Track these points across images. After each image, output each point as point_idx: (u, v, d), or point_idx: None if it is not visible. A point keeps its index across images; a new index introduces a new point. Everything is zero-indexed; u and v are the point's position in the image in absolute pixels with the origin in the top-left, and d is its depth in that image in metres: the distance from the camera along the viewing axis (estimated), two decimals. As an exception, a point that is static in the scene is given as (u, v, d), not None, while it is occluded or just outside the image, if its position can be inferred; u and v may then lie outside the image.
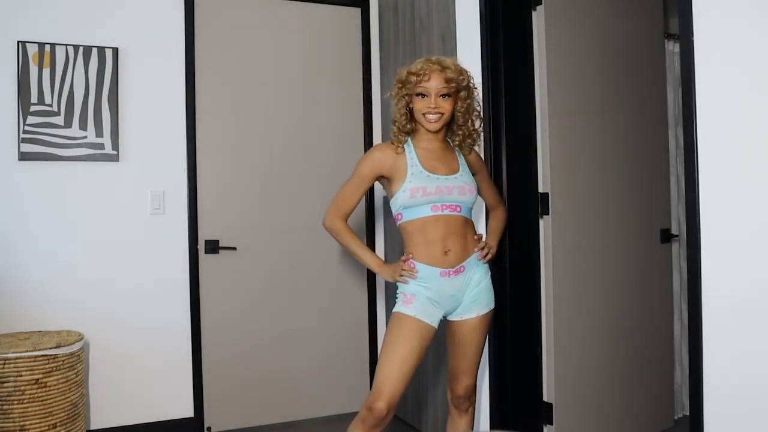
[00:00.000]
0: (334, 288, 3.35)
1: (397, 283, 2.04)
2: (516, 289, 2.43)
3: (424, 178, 1.98)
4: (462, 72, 2.00)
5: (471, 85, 2.04)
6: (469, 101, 2.04)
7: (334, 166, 3.33)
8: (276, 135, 3.26)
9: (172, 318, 3.02)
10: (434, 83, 1.96)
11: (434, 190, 1.97)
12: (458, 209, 2.00)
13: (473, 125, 2.09)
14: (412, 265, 1.99)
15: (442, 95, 1.97)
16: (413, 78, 1.98)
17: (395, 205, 2.02)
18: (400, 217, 2.03)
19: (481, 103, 2.15)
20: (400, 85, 2.02)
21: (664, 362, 2.87)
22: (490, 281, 2.09)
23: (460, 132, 2.07)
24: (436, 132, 2.03)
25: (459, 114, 2.04)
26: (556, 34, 2.45)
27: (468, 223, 2.05)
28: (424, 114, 1.99)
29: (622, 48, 2.69)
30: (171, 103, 3.03)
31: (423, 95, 1.98)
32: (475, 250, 2.05)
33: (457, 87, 1.98)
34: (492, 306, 2.09)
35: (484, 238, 2.18)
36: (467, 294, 2.03)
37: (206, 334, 3.09)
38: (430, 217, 1.98)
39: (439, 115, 1.98)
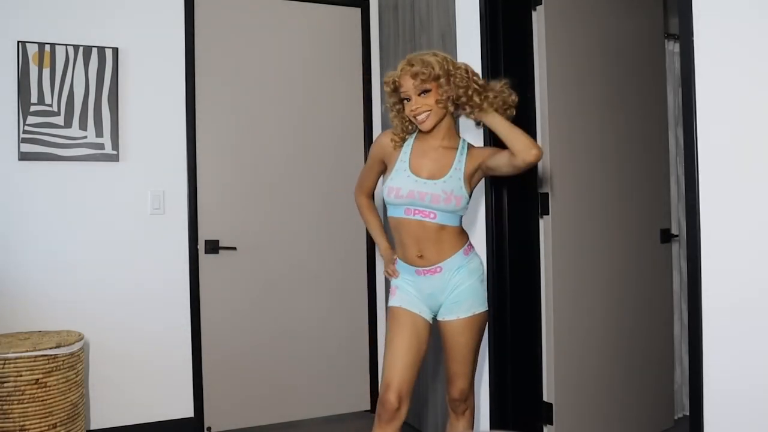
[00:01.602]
0: (334, 288, 3.35)
1: None
2: (516, 289, 2.43)
3: (404, 178, 1.99)
4: (428, 63, 1.91)
5: (447, 70, 1.92)
6: (447, 88, 1.92)
7: (334, 166, 3.33)
8: (276, 135, 3.25)
9: (172, 318, 3.02)
10: (408, 84, 1.94)
11: (406, 193, 1.96)
12: (432, 216, 1.95)
13: (474, 99, 1.92)
14: (394, 267, 2.09)
15: (420, 93, 1.93)
16: (389, 86, 2.00)
17: (382, 190, 2.07)
18: (388, 208, 2.07)
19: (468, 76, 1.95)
20: (387, 94, 2.06)
21: (664, 362, 2.87)
22: (478, 284, 2.03)
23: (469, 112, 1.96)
24: (432, 130, 1.99)
25: (441, 101, 1.94)
26: (556, 34, 2.45)
27: (445, 230, 1.97)
28: (413, 117, 1.97)
29: (622, 48, 2.69)
30: (171, 102, 3.03)
31: (407, 99, 1.97)
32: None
33: (432, 78, 1.91)
34: (479, 310, 2.02)
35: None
36: (446, 296, 2.00)
37: (206, 334, 3.09)
38: (403, 219, 1.99)
39: (426, 113, 1.94)
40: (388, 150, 2.08)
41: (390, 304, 2.06)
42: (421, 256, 1.98)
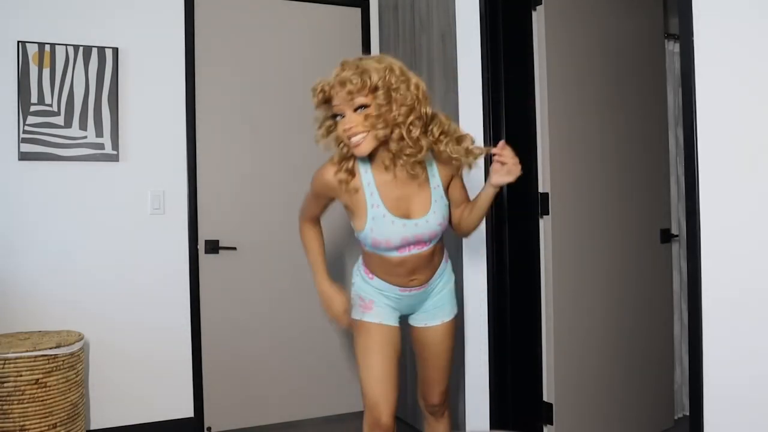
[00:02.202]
0: (334, 288, 3.34)
1: (353, 283, 1.93)
2: (516, 289, 2.43)
3: (388, 225, 1.69)
4: (365, 71, 1.53)
5: (389, 81, 1.54)
6: (385, 105, 1.53)
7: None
8: (276, 135, 3.25)
9: (172, 318, 3.02)
10: (340, 96, 1.55)
11: (399, 241, 1.72)
12: (428, 244, 1.79)
13: (412, 131, 1.57)
14: (348, 317, 1.85)
15: (356, 109, 1.55)
16: (318, 96, 1.61)
17: (357, 235, 1.80)
18: (362, 244, 1.83)
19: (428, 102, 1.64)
20: (318, 108, 1.66)
21: (664, 362, 2.87)
22: (454, 287, 1.99)
23: (393, 146, 1.59)
24: (376, 153, 1.64)
25: (373, 118, 1.55)
26: (556, 34, 2.45)
27: (436, 249, 1.84)
28: (347, 138, 1.59)
29: (622, 48, 2.69)
30: (171, 103, 3.03)
31: (341, 114, 1.59)
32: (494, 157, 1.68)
33: (369, 90, 1.53)
34: (456, 312, 1.98)
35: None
36: (428, 301, 1.93)
37: (206, 334, 3.09)
38: (394, 258, 1.77)
39: (362, 134, 1.56)
40: (341, 196, 1.73)
41: (365, 318, 1.85)
42: (413, 280, 1.84)
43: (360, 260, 1.96)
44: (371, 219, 1.70)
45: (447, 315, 1.95)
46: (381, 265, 1.83)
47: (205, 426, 3.08)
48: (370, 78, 1.52)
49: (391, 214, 1.70)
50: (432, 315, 1.94)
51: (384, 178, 1.70)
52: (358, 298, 1.89)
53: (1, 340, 2.53)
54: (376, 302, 1.87)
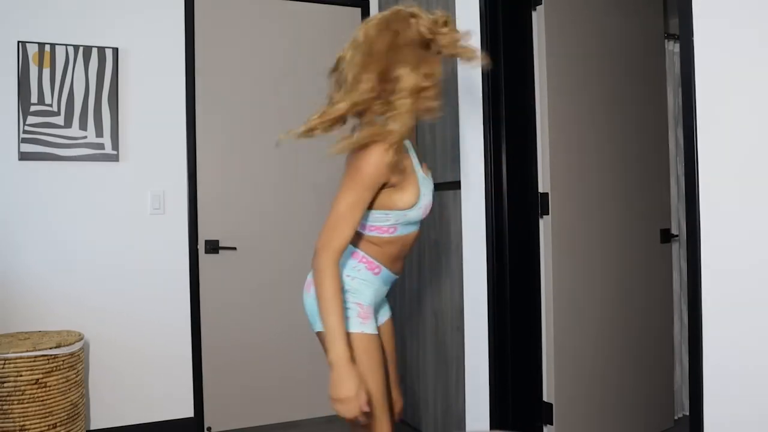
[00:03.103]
0: (334, 288, 3.34)
1: (346, 291, 1.60)
2: (516, 289, 2.43)
3: (428, 185, 1.60)
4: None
5: None
6: None
7: (334, 166, 3.32)
8: (276, 134, 3.23)
9: (173, 318, 3.02)
10: (455, 37, 1.53)
11: (432, 199, 1.65)
12: None
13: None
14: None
15: None
16: (437, 31, 1.46)
17: (396, 219, 1.55)
18: (392, 230, 1.58)
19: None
20: (414, 41, 1.47)
21: (664, 362, 2.87)
22: None
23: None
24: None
25: None
26: (556, 34, 2.45)
27: None
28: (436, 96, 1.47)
29: (622, 48, 2.69)
30: (171, 103, 3.04)
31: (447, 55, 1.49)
32: None
33: None
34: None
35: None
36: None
37: (206, 333, 3.09)
38: (414, 233, 1.65)
39: None
40: (397, 168, 1.49)
41: (365, 330, 1.59)
42: (403, 261, 1.71)
43: (354, 260, 1.64)
44: (422, 184, 1.54)
45: (388, 309, 1.82)
46: (397, 250, 1.61)
47: (205, 426, 3.08)
48: None
49: (425, 175, 1.59)
50: (384, 309, 1.80)
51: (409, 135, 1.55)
52: (356, 305, 1.61)
53: (1, 340, 2.53)
54: (373, 307, 1.65)
